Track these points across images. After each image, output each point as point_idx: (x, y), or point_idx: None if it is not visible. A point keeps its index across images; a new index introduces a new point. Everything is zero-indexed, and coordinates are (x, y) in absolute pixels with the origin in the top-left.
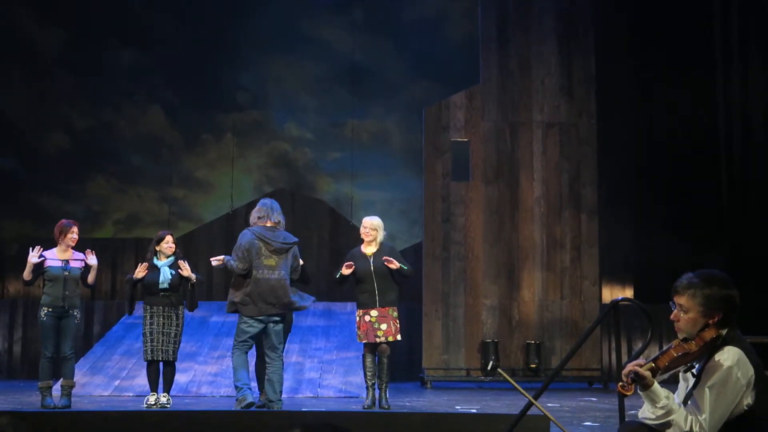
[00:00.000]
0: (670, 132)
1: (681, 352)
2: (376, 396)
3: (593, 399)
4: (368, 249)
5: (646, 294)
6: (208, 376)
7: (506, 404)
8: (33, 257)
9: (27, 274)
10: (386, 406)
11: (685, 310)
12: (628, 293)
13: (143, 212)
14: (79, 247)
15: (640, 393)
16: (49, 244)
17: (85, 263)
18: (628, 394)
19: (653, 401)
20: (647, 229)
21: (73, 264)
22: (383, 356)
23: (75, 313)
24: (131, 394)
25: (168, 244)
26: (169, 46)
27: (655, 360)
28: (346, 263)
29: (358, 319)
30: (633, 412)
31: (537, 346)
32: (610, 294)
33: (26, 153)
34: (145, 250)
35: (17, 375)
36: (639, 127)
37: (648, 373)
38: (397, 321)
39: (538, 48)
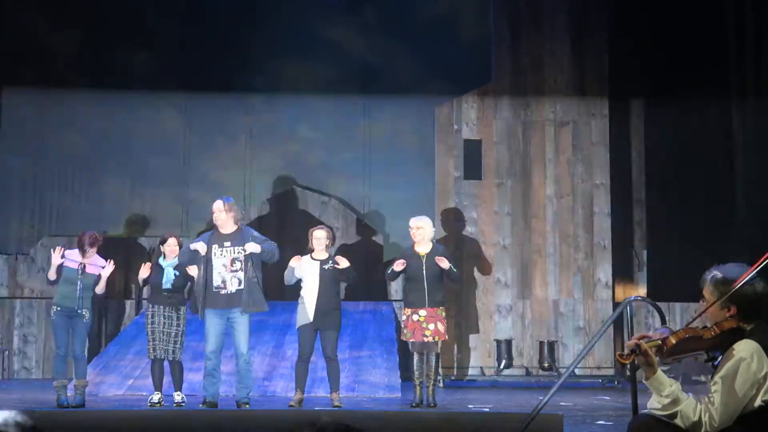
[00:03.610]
0: (683, 130)
1: (691, 335)
2: (424, 394)
3: (606, 398)
4: (421, 248)
5: (660, 293)
6: (224, 376)
7: (519, 403)
8: (56, 258)
9: (51, 274)
10: (432, 404)
11: (706, 302)
12: (642, 292)
13: (158, 213)
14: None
15: (645, 382)
16: (66, 244)
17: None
18: (625, 362)
19: (658, 390)
20: (661, 228)
21: (89, 270)
22: (431, 355)
23: (85, 314)
24: (144, 394)
25: (171, 246)
26: (183, 48)
27: (663, 339)
28: (398, 261)
29: (405, 317)
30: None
31: (550, 345)
32: (623, 293)
33: (40, 154)
34: (158, 250)
35: (30, 374)
36: (652, 125)
37: (649, 348)
38: (445, 321)
39: (551, 46)
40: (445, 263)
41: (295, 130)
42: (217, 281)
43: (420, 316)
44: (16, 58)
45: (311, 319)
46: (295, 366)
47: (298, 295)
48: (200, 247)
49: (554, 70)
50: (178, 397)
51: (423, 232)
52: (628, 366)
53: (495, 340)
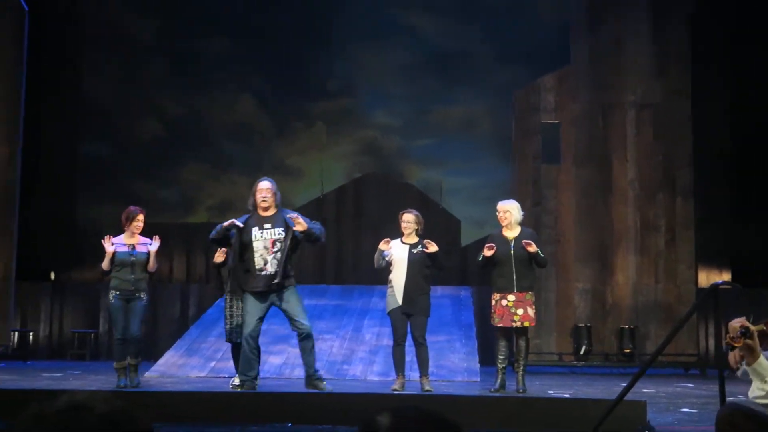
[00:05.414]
0: None
1: None
2: (506, 380)
3: (690, 385)
4: (509, 233)
5: (744, 277)
6: (300, 359)
7: (600, 389)
8: (108, 246)
9: (106, 264)
10: (522, 391)
11: None
12: (725, 277)
13: (235, 198)
14: (172, 232)
15: (746, 368)
16: (150, 229)
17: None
18: (737, 345)
19: (762, 376)
20: (745, 211)
21: (139, 249)
22: (521, 341)
23: (142, 296)
24: (226, 376)
25: None
26: (260, 34)
27: (766, 323)
28: (487, 245)
29: (493, 302)
30: (731, 399)
31: (631, 331)
32: (707, 278)
33: (121, 140)
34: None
35: None
36: (736, 106)
37: (756, 329)
38: (534, 306)
39: (631, 27)
40: (532, 247)
41: (372, 115)
42: (259, 263)
43: (509, 300)
44: (98, 47)
45: (400, 302)
46: (392, 351)
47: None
48: (236, 222)
49: (635, 51)
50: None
51: (510, 216)
52: (730, 349)
53: (574, 325)
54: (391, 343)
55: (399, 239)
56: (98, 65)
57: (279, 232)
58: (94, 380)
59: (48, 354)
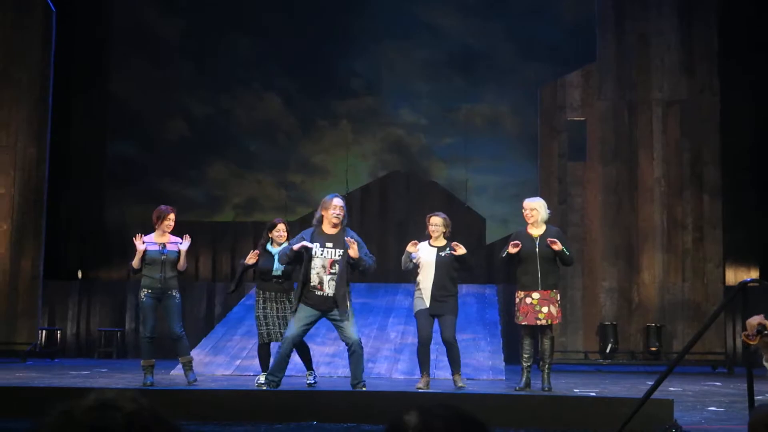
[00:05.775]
0: None
1: None
2: (532, 378)
3: (717, 383)
4: (534, 230)
5: None
6: (326, 357)
7: (626, 387)
8: (140, 245)
9: (136, 263)
10: (547, 389)
11: None
12: (753, 275)
13: (262, 197)
14: (199, 231)
15: (765, 364)
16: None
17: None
18: (752, 343)
19: None
20: None
21: (170, 247)
22: (545, 339)
23: (174, 293)
24: (252, 374)
25: (279, 232)
26: (285, 33)
27: None
28: (512, 242)
29: (518, 300)
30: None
31: (657, 329)
32: (734, 276)
33: (148, 139)
34: (263, 233)
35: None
36: (763, 103)
37: None
38: (558, 304)
39: (657, 23)
40: (557, 245)
41: (397, 114)
42: (314, 280)
43: (533, 298)
44: (125, 48)
45: (427, 304)
46: (417, 351)
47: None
48: (306, 244)
49: (661, 47)
50: (310, 377)
51: (537, 214)
52: (751, 348)
53: (600, 324)
54: (415, 341)
55: (427, 242)
56: (125, 66)
57: (339, 254)
58: (120, 378)
59: (75, 352)
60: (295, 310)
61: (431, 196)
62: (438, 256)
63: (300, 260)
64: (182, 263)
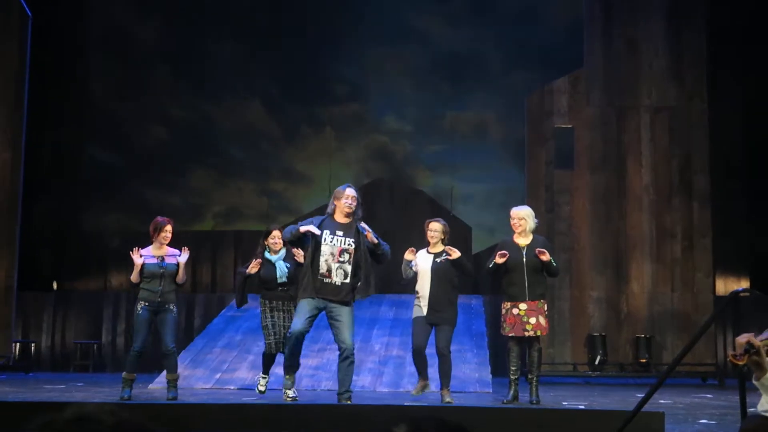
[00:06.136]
0: None
1: None
2: (519, 391)
3: (708, 395)
4: (521, 240)
5: (763, 285)
6: (309, 370)
7: (615, 400)
8: (137, 259)
9: (135, 277)
10: (536, 402)
11: None
12: (744, 284)
13: (243, 205)
14: (178, 240)
15: (755, 383)
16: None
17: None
18: (740, 363)
19: None
20: (763, 217)
21: (168, 260)
22: (533, 350)
23: (172, 307)
24: (233, 387)
25: (275, 239)
26: (268, 37)
27: None
28: (499, 252)
29: (504, 311)
30: (752, 410)
31: (647, 341)
32: (724, 286)
33: (125, 146)
34: (244, 242)
35: (121, 367)
36: (752, 110)
37: (762, 346)
38: (546, 314)
39: (646, 29)
40: (546, 256)
41: (382, 121)
42: (323, 268)
43: (520, 309)
44: (102, 52)
45: (425, 312)
46: (411, 358)
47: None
48: (313, 229)
49: (650, 53)
50: (263, 382)
51: (525, 224)
52: (732, 366)
53: (589, 335)
54: (399, 353)
55: (425, 249)
56: (103, 70)
57: (349, 242)
58: (97, 392)
59: (50, 365)
60: (297, 302)
61: (416, 204)
62: (434, 262)
63: (302, 244)
64: (181, 276)
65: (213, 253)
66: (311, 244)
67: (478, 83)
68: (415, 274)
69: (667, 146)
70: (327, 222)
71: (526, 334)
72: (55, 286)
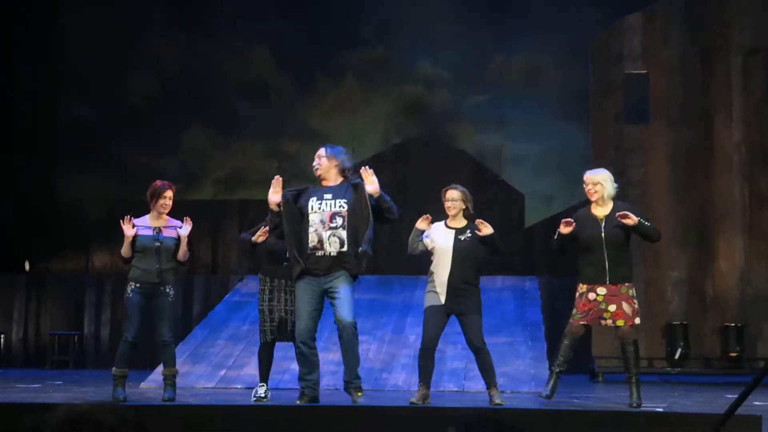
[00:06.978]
0: None
1: None
2: (557, 386)
3: None
4: (598, 210)
5: None
6: (331, 366)
7: (700, 401)
8: (128, 230)
9: (125, 251)
10: (636, 405)
11: None
12: None
13: (248, 169)
14: (173, 211)
15: None
16: (142, 208)
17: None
18: None
19: None
20: None
21: (166, 233)
22: (626, 344)
23: (168, 291)
24: (240, 386)
25: None
26: None
27: None
28: (564, 220)
29: (578, 294)
30: None
31: (737, 330)
32: None
33: (107, 99)
34: (250, 213)
35: (105, 363)
36: None
37: None
38: (634, 301)
39: None
40: (631, 218)
41: (414, 67)
42: (312, 240)
43: (598, 294)
44: None
45: (442, 300)
46: (417, 357)
47: (423, 269)
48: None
49: None
50: (261, 390)
51: (602, 189)
52: None
53: (667, 324)
54: (438, 345)
55: (443, 222)
56: (76, 7)
57: (340, 204)
58: (80, 392)
59: (23, 361)
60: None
61: (457, 167)
62: (456, 239)
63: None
64: (183, 252)
65: (213, 227)
66: (292, 216)
67: (530, 22)
68: (426, 251)
69: (763, 95)
70: (311, 190)
71: (603, 323)
72: (27, 267)
